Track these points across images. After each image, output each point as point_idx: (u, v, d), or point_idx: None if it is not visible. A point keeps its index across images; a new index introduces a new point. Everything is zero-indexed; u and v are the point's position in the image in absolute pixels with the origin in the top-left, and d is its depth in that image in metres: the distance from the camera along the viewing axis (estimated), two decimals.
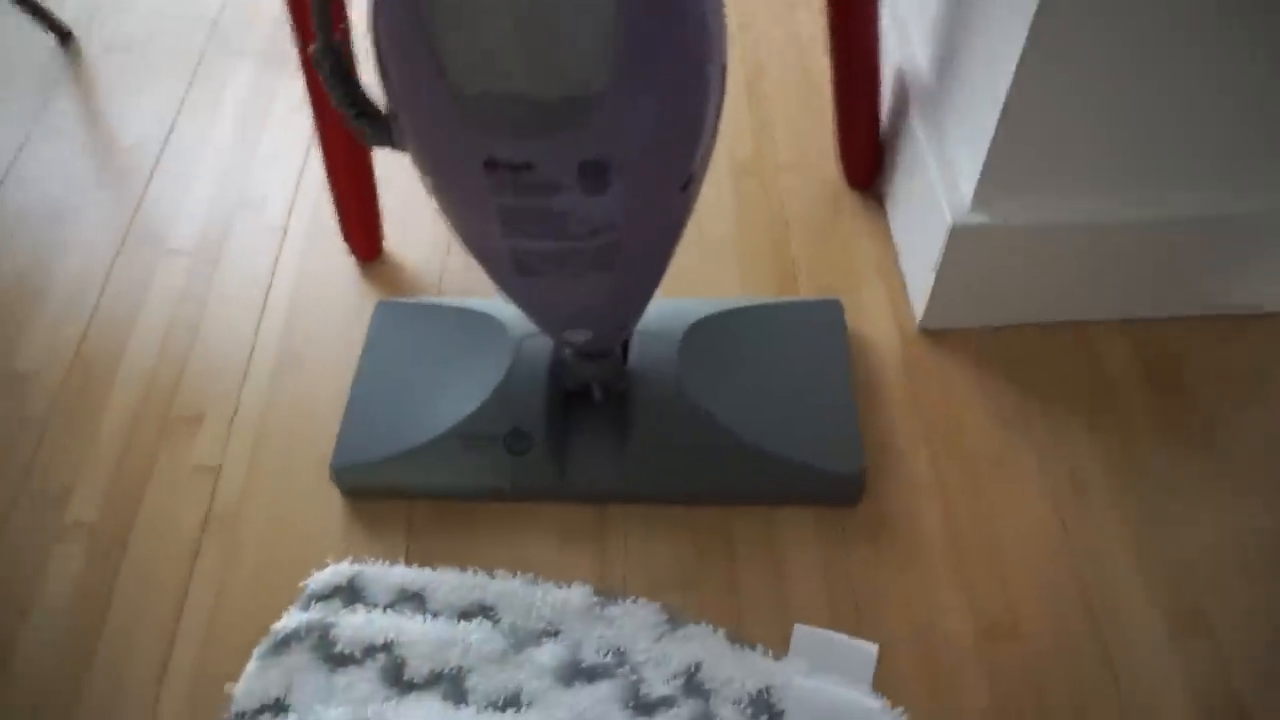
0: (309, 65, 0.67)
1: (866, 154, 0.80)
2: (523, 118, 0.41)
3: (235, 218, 0.85)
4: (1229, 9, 0.55)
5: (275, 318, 0.78)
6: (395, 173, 0.80)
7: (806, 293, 0.76)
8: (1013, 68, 0.57)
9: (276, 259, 0.82)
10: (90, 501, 0.68)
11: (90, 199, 0.88)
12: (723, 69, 0.45)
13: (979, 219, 0.65)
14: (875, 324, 0.74)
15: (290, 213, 0.85)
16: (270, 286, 0.80)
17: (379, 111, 0.47)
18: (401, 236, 0.83)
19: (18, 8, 0.98)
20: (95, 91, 0.98)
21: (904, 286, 0.75)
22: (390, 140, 0.47)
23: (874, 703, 0.56)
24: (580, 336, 0.58)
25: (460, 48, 0.39)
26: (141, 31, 1.03)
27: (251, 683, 0.57)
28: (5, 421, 0.73)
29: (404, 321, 0.73)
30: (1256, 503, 0.64)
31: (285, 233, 0.84)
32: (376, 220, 0.79)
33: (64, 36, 1.02)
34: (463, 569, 0.62)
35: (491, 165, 0.43)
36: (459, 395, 0.66)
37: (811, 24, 0.96)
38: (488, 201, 0.45)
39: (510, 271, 0.50)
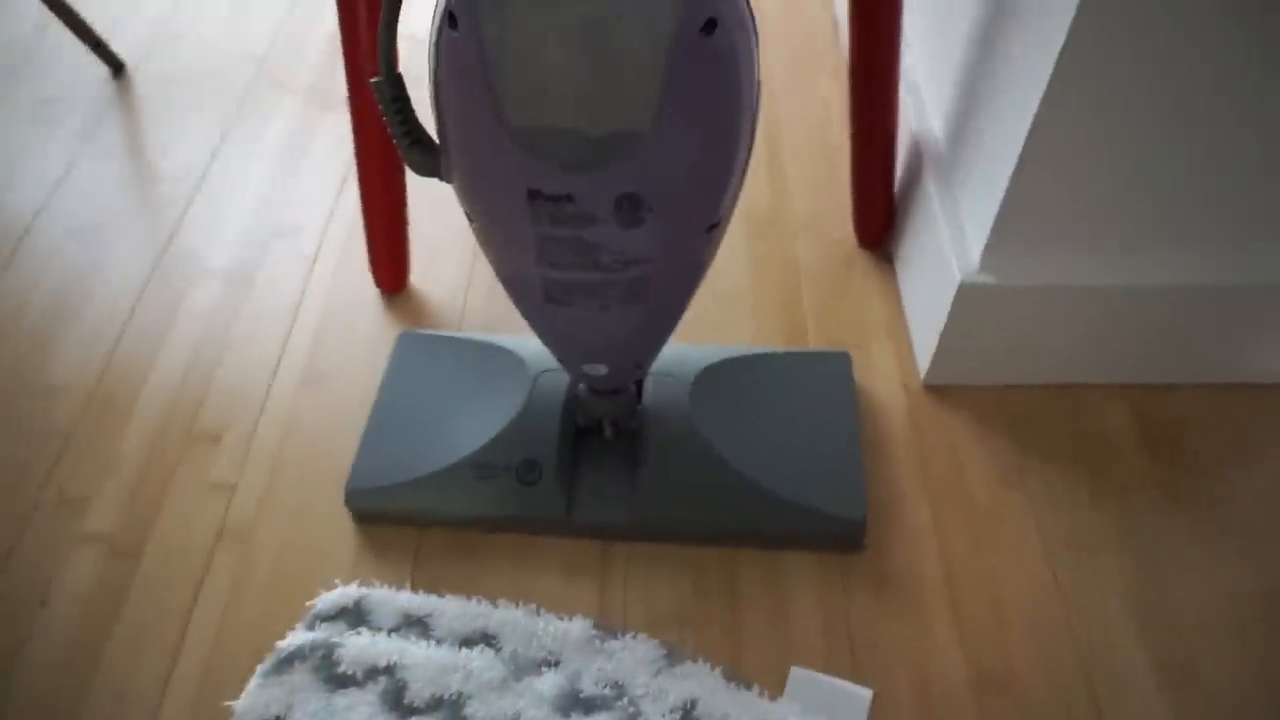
0: (357, 100, 0.70)
1: (880, 215, 0.83)
2: (567, 152, 0.44)
3: (269, 245, 0.88)
4: (1234, 83, 0.58)
5: (300, 343, 0.81)
6: (424, 212, 0.83)
7: (816, 345, 0.79)
8: (1024, 135, 0.60)
9: (305, 287, 0.85)
10: (108, 512, 0.70)
11: (130, 222, 0.91)
12: (754, 121, 0.48)
13: (986, 279, 0.67)
14: (881, 378, 0.76)
15: (322, 243, 0.88)
16: (298, 313, 0.83)
17: (431, 141, 0.50)
18: (426, 273, 0.86)
19: (76, 38, 1.03)
20: (143, 121, 1.02)
21: (910, 343, 0.78)
22: (438, 170, 0.50)
23: None
24: (598, 370, 0.60)
25: (515, 83, 0.43)
26: (192, 66, 1.08)
27: (253, 699, 0.58)
28: (32, 431, 0.75)
29: (425, 352, 0.75)
30: (1248, 565, 0.65)
31: (315, 262, 0.87)
32: (405, 255, 0.82)
33: (117, 68, 1.06)
34: (467, 597, 0.63)
35: (534, 195, 0.46)
36: (474, 426, 0.68)
37: (831, 91, 1.01)
38: (527, 230, 0.48)
39: (540, 300, 0.53)
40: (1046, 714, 0.59)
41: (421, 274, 0.86)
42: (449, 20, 0.44)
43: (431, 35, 0.46)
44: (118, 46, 1.07)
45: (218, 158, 0.97)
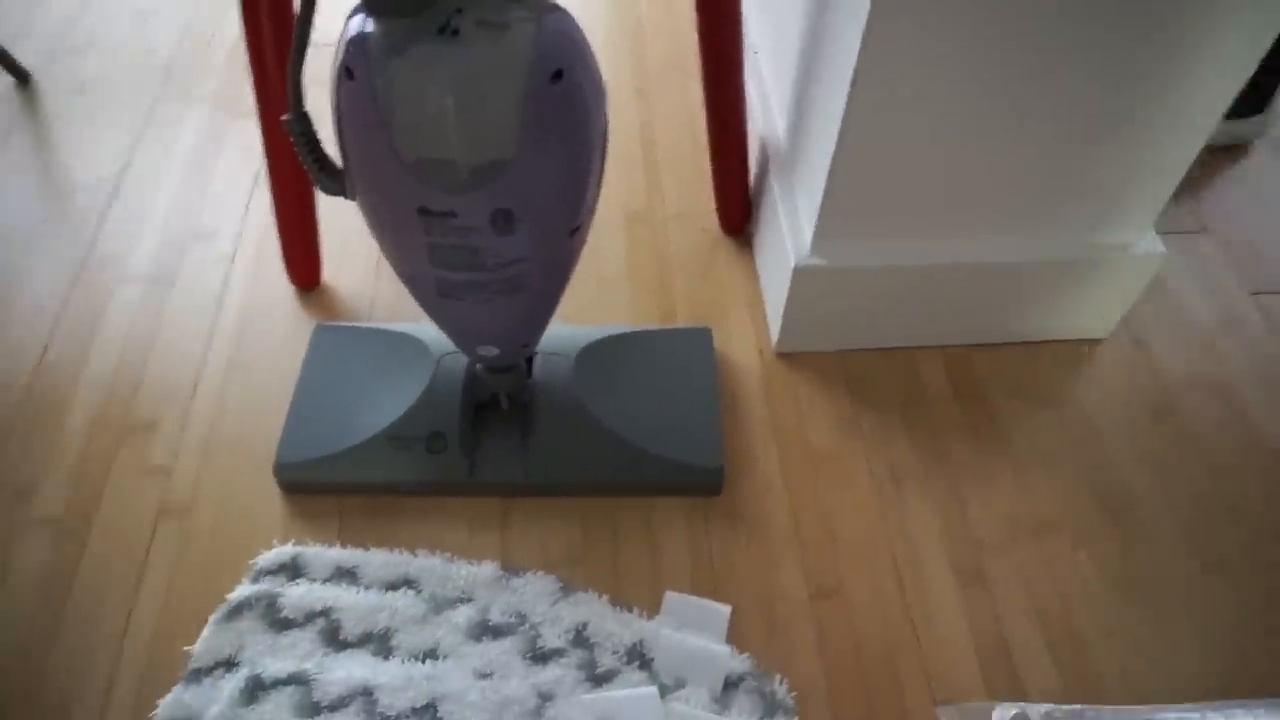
0: (266, 117, 0.79)
1: (738, 205, 0.95)
2: (449, 177, 0.54)
3: (187, 248, 0.96)
4: (1011, 93, 0.70)
5: (223, 338, 0.89)
6: (333, 214, 0.92)
7: (684, 322, 0.91)
8: (836, 133, 0.73)
9: (225, 286, 0.93)
10: (53, 498, 0.78)
11: (50, 230, 0.97)
12: (603, 145, 0.59)
13: (816, 261, 0.81)
14: (740, 348, 0.89)
15: (238, 244, 0.96)
16: (219, 310, 0.91)
17: (336, 167, 0.59)
18: (337, 269, 0.95)
19: None
20: (53, 130, 1.07)
21: (764, 316, 0.91)
22: (343, 191, 0.60)
23: (723, 650, 0.69)
24: (490, 352, 0.71)
25: (403, 123, 0.53)
26: (97, 76, 1.13)
27: (208, 643, 0.68)
28: None
29: (339, 342, 0.84)
30: (1033, 486, 0.81)
31: (233, 262, 0.95)
32: (316, 254, 0.91)
33: (22, 78, 1.11)
34: (390, 550, 0.74)
35: (424, 211, 0.56)
36: (387, 404, 0.78)
37: (699, 95, 1.12)
38: (419, 239, 0.58)
39: (434, 295, 0.63)
40: (869, 614, 0.73)
41: (332, 269, 0.94)
42: (346, 73, 0.53)
43: (332, 82, 0.55)
44: (20, 57, 1.11)
45: (131, 166, 1.03)
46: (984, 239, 0.82)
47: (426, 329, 0.82)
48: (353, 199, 0.61)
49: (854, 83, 0.69)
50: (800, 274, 0.81)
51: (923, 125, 0.73)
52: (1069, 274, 0.84)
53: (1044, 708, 0.63)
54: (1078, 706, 0.64)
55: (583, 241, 0.65)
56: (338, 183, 0.60)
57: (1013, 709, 0.63)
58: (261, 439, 0.81)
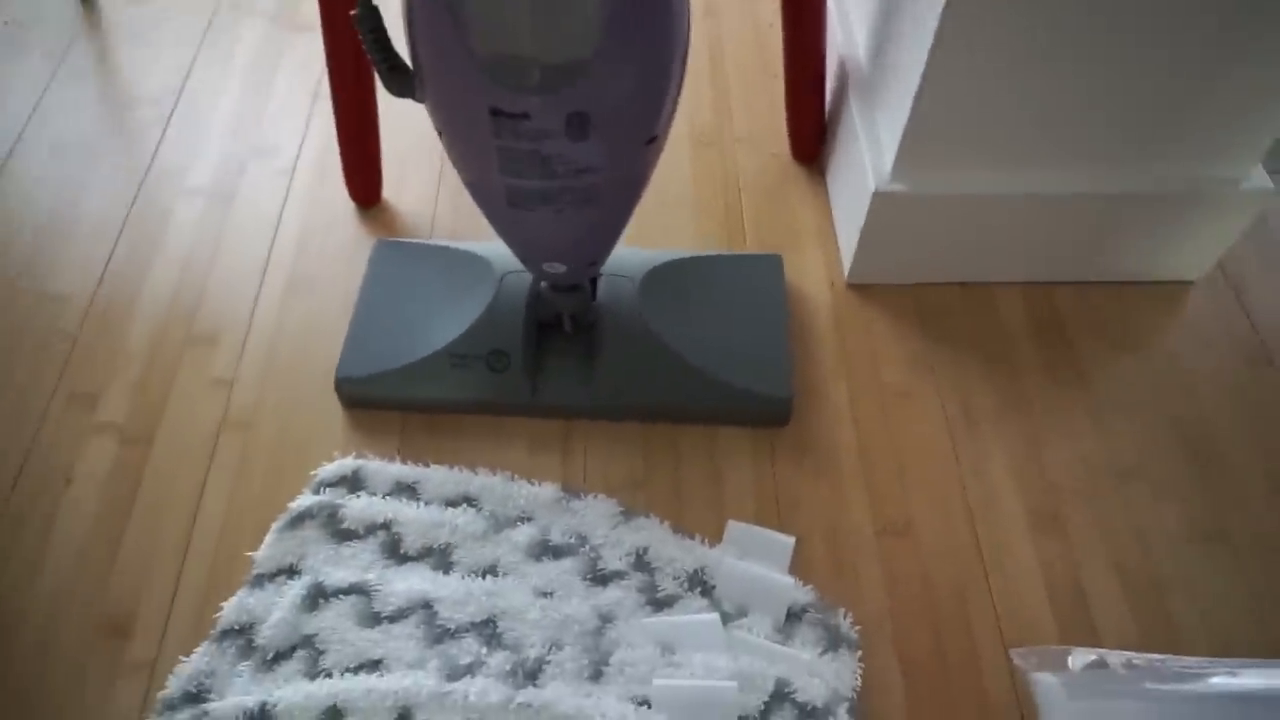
0: (329, 27, 0.76)
1: (812, 131, 0.91)
2: (525, 76, 0.52)
3: (247, 163, 0.95)
4: (1117, 11, 0.66)
5: (283, 253, 0.88)
6: (393, 132, 0.89)
7: (752, 249, 0.88)
8: (925, 56, 0.69)
9: (285, 201, 0.92)
10: (118, 406, 0.78)
11: (111, 143, 0.96)
12: (685, 48, 0.56)
13: (897, 186, 0.77)
14: (810, 278, 0.86)
15: (297, 160, 0.95)
16: (279, 225, 0.90)
17: (406, 66, 0.57)
18: (397, 187, 0.93)
19: None
20: (112, 42, 1.06)
21: (836, 247, 0.87)
22: (412, 92, 0.57)
23: (787, 580, 0.68)
24: (557, 269, 0.69)
25: (480, 18, 0.50)
26: None
27: (271, 550, 0.68)
28: (42, 334, 0.82)
29: (400, 258, 0.83)
30: (1114, 431, 0.77)
31: (293, 177, 0.93)
32: (378, 170, 0.89)
33: None
34: (450, 467, 0.73)
35: (496, 113, 0.53)
36: (448, 321, 0.77)
37: (771, 13, 1.07)
38: (490, 144, 0.56)
39: (503, 205, 0.61)
40: (937, 552, 0.71)
41: (392, 188, 0.93)
42: None
43: None
44: None
45: (190, 80, 1.02)
46: (1077, 169, 0.77)
47: (489, 247, 0.80)
48: (421, 100, 0.58)
49: (948, 3, 0.64)
50: (880, 200, 0.77)
51: (1020, 44, 0.68)
52: (1165, 209, 0.79)
53: (1123, 655, 0.61)
54: (1158, 656, 0.61)
55: (658, 154, 0.62)
56: (406, 83, 0.57)
57: (1090, 654, 0.60)
58: (321, 354, 0.80)
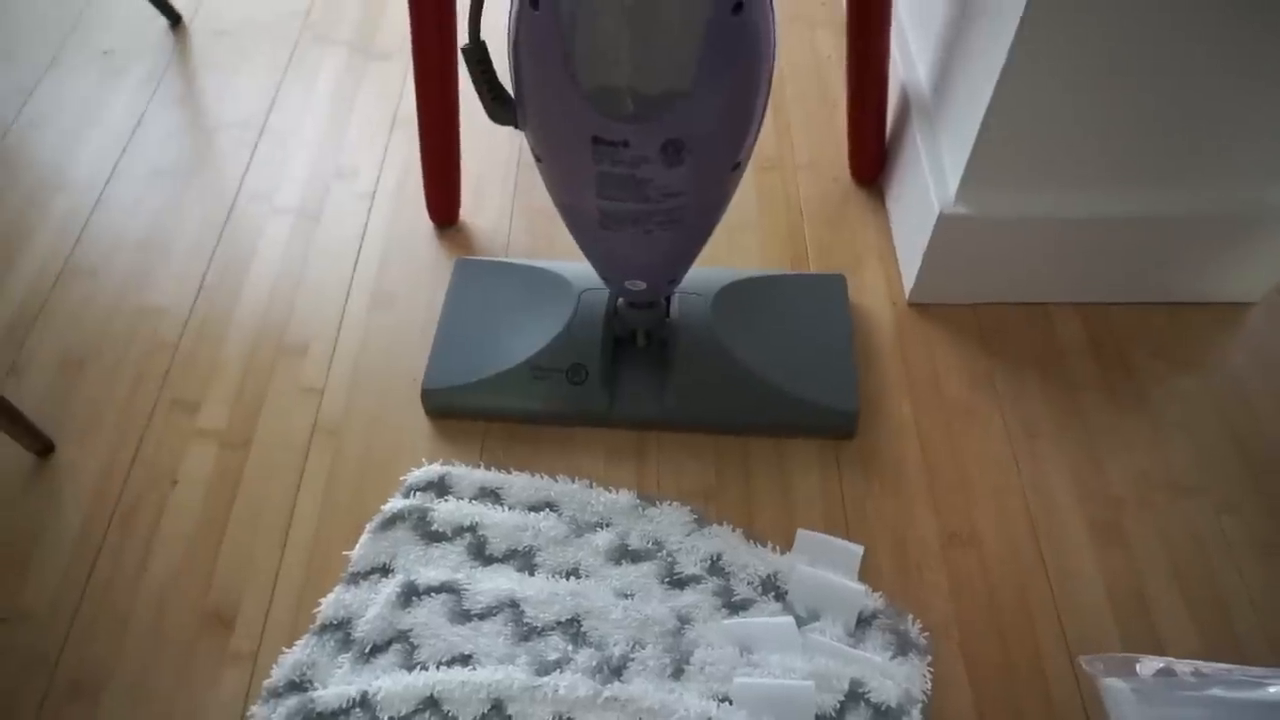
0: (420, 54, 0.81)
1: (873, 155, 0.95)
2: (626, 107, 0.55)
3: (330, 186, 1.00)
4: (1181, 35, 0.68)
5: (367, 270, 0.93)
6: (468, 155, 0.94)
7: (816, 269, 0.91)
8: (993, 84, 0.72)
9: (367, 221, 0.96)
10: (218, 413, 0.83)
11: (203, 166, 1.02)
12: (770, 80, 0.60)
13: (961, 210, 0.80)
14: (872, 297, 0.89)
15: (378, 182, 1.00)
16: (362, 243, 0.95)
17: (509, 96, 0.61)
18: (473, 208, 0.97)
19: None
20: (202, 71, 1.12)
21: (898, 267, 0.90)
22: (514, 121, 0.62)
23: (858, 587, 0.70)
24: (638, 286, 0.73)
25: (586, 53, 0.54)
26: (242, 19, 1.17)
27: (365, 549, 0.72)
28: (145, 345, 0.87)
29: (480, 275, 0.87)
30: (1174, 447, 0.79)
31: (374, 199, 0.98)
32: (457, 192, 0.94)
33: (175, 20, 1.16)
34: (531, 474, 0.77)
35: (597, 140, 0.57)
36: (529, 335, 0.81)
37: (829, 44, 1.11)
38: (589, 169, 0.59)
39: (594, 226, 0.65)
40: (1001, 562, 0.73)
41: (469, 209, 0.97)
42: (530, 2, 0.55)
43: (512, 12, 0.57)
44: None
45: (275, 106, 1.08)
46: (1139, 191, 0.79)
47: (566, 265, 0.84)
48: (522, 129, 0.63)
49: (1020, 28, 0.67)
50: (944, 222, 0.80)
51: (1086, 71, 0.71)
52: (1226, 231, 0.81)
53: (1191, 663, 0.62)
54: (1226, 665, 0.63)
55: (740, 179, 0.65)
56: (510, 112, 0.62)
57: (1158, 662, 0.62)
58: (404, 366, 0.85)
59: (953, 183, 0.80)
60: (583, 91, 0.56)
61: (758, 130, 0.63)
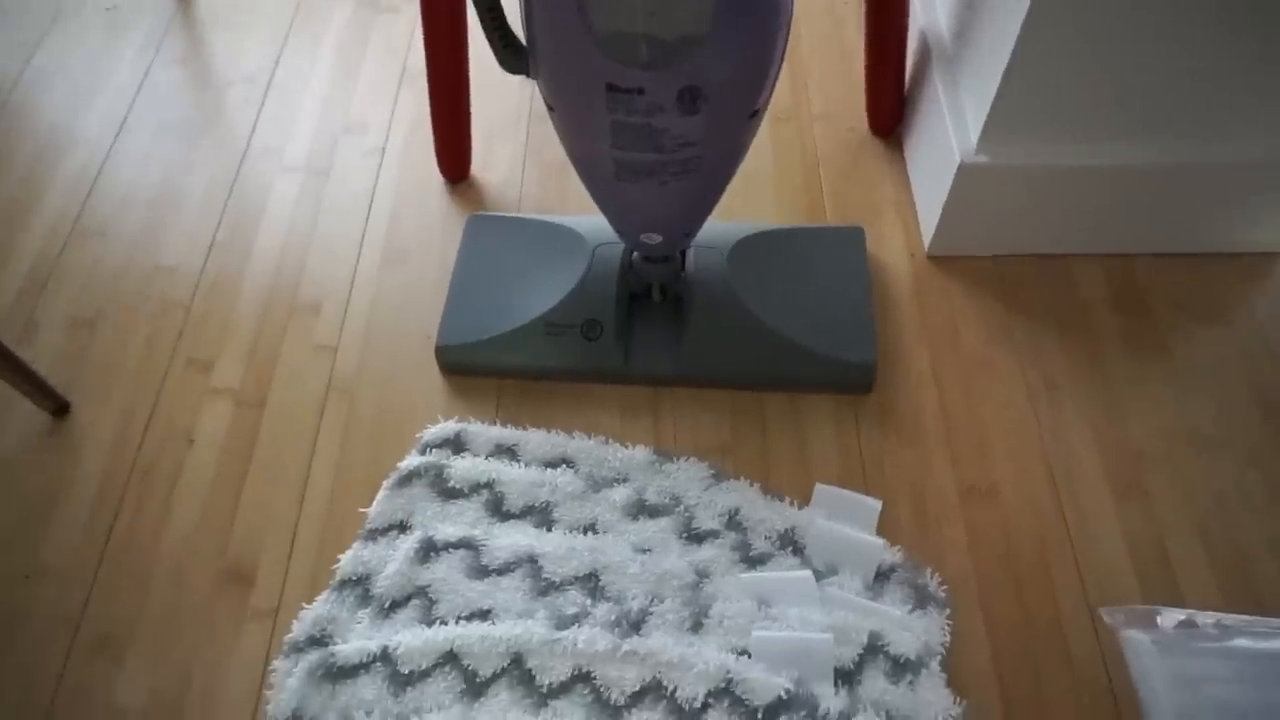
0: (428, 8, 0.79)
1: (891, 105, 0.93)
2: (642, 52, 0.54)
3: (339, 141, 0.98)
4: None
5: (378, 226, 0.92)
6: (478, 110, 0.92)
7: (833, 222, 0.90)
8: (1016, 31, 0.70)
9: (377, 176, 0.95)
10: (232, 371, 0.82)
11: (210, 122, 1.01)
12: (789, 25, 0.58)
13: (982, 159, 0.78)
14: (890, 249, 0.87)
15: (387, 138, 0.98)
16: (373, 199, 0.94)
17: (520, 44, 0.60)
18: (484, 164, 0.96)
19: None
20: (207, 27, 1.10)
21: (916, 219, 0.89)
22: (526, 69, 0.60)
23: (876, 541, 0.70)
24: (653, 239, 0.72)
25: None
26: None
27: (382, 506, 0.72)
28: (157, 304, 0.86)
29: (493, 231, 0.86)
30: (1196, 401, 0.78)
31: (383, 155, 0.97)
32: (468, 147, 0.92)
33: None
34: (547, 430, 0.76)
35: (612, 88, 0.56)
36: (543, 291, 0.80)
37: None
38: (604, 118, 0.58)
39: (609, 178, 0.64)
40: (1021, 517, 0.73)
41: (479, 163, 0.96)
42: None
43: None
44: None
45: (281, 62, 1.06)
46: (1162, 139, 0.77)
47: (580, 220, 0.83)
48: (534, 78, 0.61)
49: None
50: (964, 172, 0.78)
51: (1109, 17, 0.69)
52: (1252, 180, 0.79)
53: (1212, 615, 0.62)
54: (1246, 617, 0.63)
55: (757, 127, 0.64)
56: (522, 60, 0.60)
57: (1179, 614, 0.62)
58: (417, 323, 0.84)
59: (974, 132, 0.78)
60: (597, 37, 0.54)
61: (775, 77, 0.61)
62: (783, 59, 0.60)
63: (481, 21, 0.59)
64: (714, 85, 0.57)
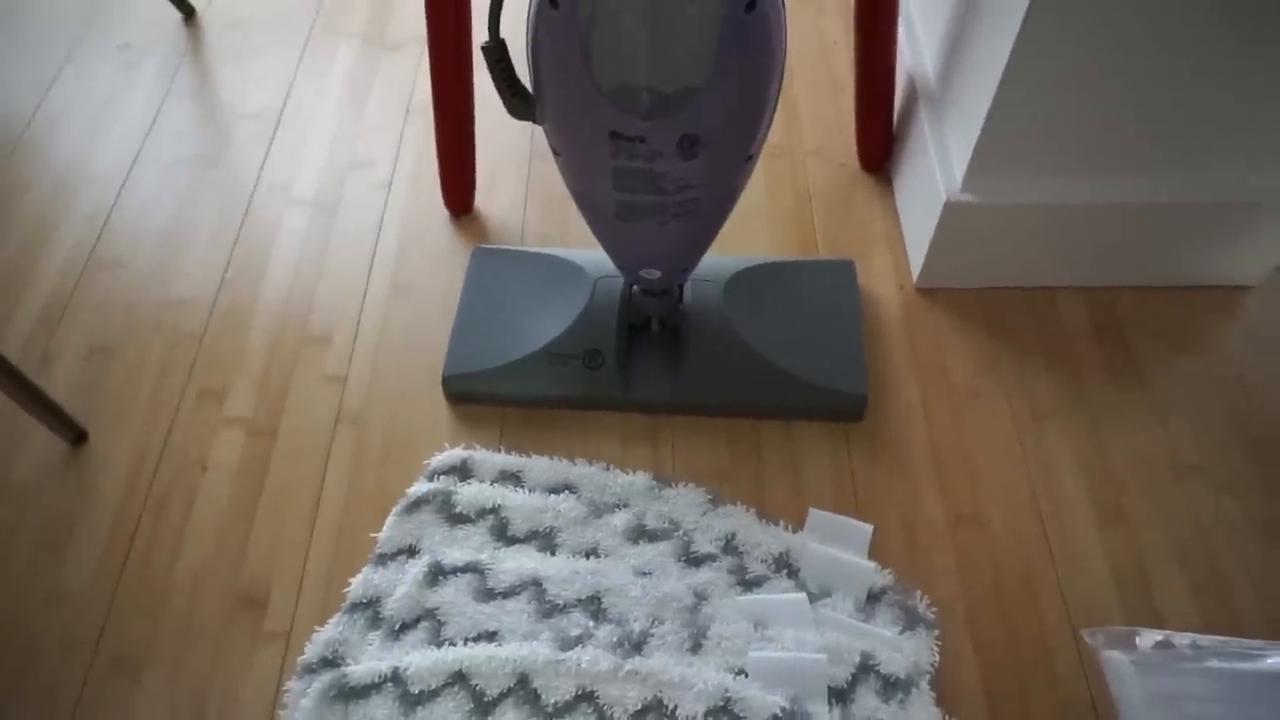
0: (436, 46, 0.82)
1: (880, 141, 0.96)
2: (644, 104, 0.57)
3: (346, 176, 1.02)
4: (1183, 25, 0.70)
5: (385, 259, 0.95)
6: (482, 145, 0.95)
7: (825, 255, 0.93)
8: (999, 75, 0.73)
9: (384, 210, 0.98)
10: (244, 401, 0.85)
11: (220, 157, 1.04)
12: (782, 75, 0.62)
13: (967, 198, 0.81)
14: (880, 282, 0.91)
15: (394, 172, 1.01)
16: (379, 233, 0.97)
17: (528, 92, 0.63)
18: (487, 197, 0.99)
19: None
20: (215, 64, 1.13)
21: (905, 252, 0.92)
22: (532, 116, 0.63)
23: (868, 564, 0.73)
24: (652, 274, 0.75)
25: (605, 52, 0.56)
26: (254, 11, 1.18)
27: (391, 531, 0.74)
28: (170, 335, 0.89)
29: (497, 264, 0.89)
30: (1175, 429, 0.81)
31: (390, 189, 1.00)
32: (472, 181, 0.96)
33: (188, 13, 1.17)
34: (550, 457, 0.79)
35: (615, 136, 0.59)
36: (546, 322, 0.83)
37: (834, 29, 1.13)
38: (607, 164, 0.61)
39: (610, 218, 0.67)
40: (1007, 541, 0.76)
41: (483, 197, 0.99)
42: (550, 2, 0.56)
43: (531, 11, 0.59)
44: None
45: (291, 98, 1.09)
46: (1141, 177, 0.81)
47: (581, 253, 0.86)
48: (540, 124, 0.64)
49: (1026, 19, 0.69)
50: (950, 210, 0.82)
51: (1091, 61, 0.72)
52: (1226, 216, 0.83)
53: (1188, 636, 0.65)
54: (1221, 637, 0.65)
55: (752, 169, 0.67)
56: (529, 108, 0.63)
57: (1157, 635, 0.65)
58: (424, 353, 0.87)
59: (959, 171, 0.82)
60: (601, 89, 0.57)
61: (770, 123, 0.64)
62: (776, 104, 0.64)
63: (491, 72, 0.62)
64: (712, 132, 0.60)
